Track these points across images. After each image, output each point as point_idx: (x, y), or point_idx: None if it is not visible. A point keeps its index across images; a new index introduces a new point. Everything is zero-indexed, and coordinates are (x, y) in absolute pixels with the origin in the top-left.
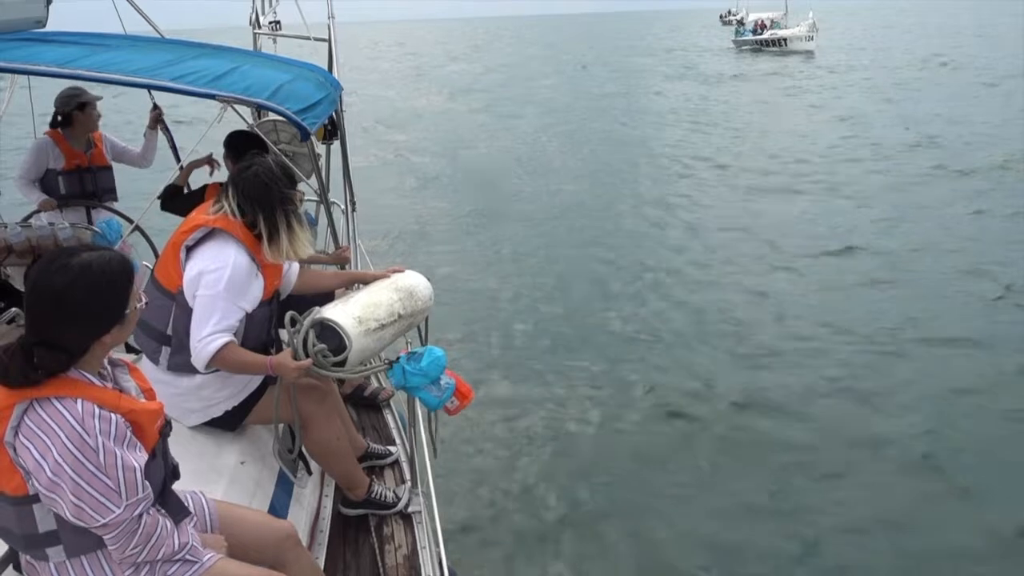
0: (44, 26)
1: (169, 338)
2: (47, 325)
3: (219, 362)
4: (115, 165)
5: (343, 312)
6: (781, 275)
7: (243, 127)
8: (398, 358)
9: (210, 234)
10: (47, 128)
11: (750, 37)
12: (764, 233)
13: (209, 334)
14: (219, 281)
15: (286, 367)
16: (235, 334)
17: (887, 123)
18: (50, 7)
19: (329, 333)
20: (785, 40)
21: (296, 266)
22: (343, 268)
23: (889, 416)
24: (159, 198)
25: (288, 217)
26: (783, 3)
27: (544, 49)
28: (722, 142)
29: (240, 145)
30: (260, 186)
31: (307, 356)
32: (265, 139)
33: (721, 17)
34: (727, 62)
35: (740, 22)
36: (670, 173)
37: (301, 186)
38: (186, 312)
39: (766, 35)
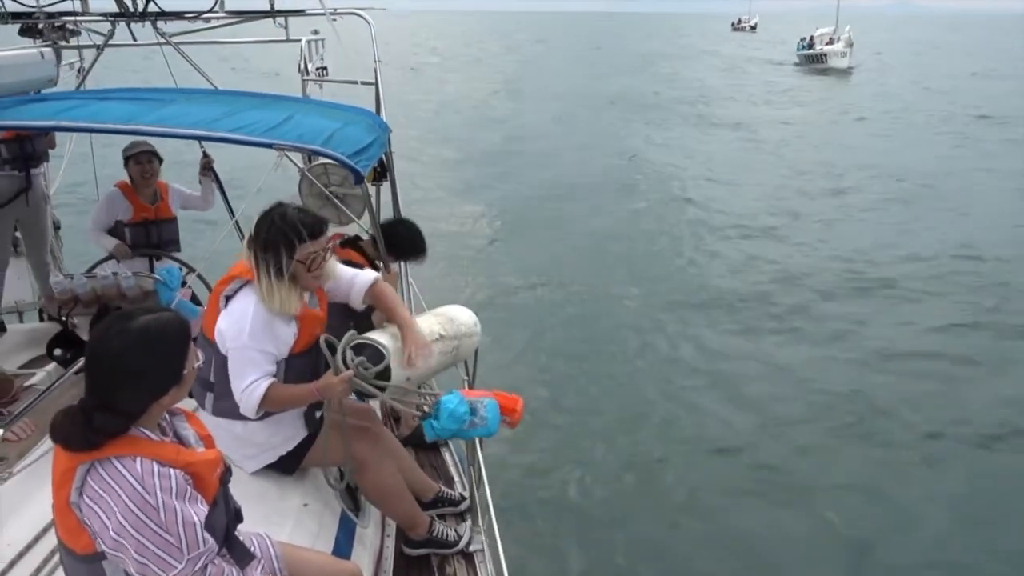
0: (55, 85)
1: (213, 384)
2: (106, 389)
3: (268, 405)
4: (181, 215)
5: (378, 332)
6: None
7: (295, 171)
8: (432, 412)
9: (246, 284)
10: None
11: (805, 52)
12: None
13: (250, 383)
14: (241, 332)
15: (331, 385)
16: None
17: None
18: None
19: (369, 352)
20: (825, 56)
21: (363, 280)
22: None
23: None
24: None
25: (268, 266)
26: (827, 8)
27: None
28: None
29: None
30: (256, 228)
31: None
32: (316, 183)
33: (733, 24)
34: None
35: (753, 28)
36: None
37: (353, 227)
38: (224, 360)
39: (814, 51)
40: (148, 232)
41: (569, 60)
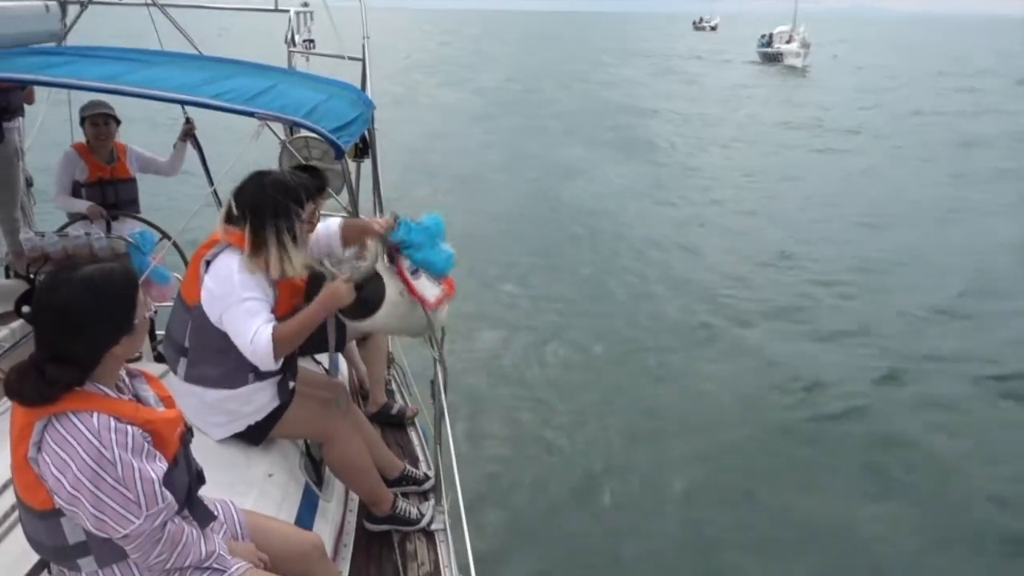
0: (60, 41)
1: (186, 350)
2: (55, 340)
3: (281, 345)
4: (143, 178)
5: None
6: None
7: (275, 142)
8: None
9: (226, 248)
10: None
11: (764, 50)
12: None
13: (254, 333)
14: (232, 287)
15: (335, 289)
16: None
17: None
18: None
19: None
20: (781, 55)
21: (333, 224)
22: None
23: None
24: None
25: (280, 232)
26: (787, 9)
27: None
28: None
29: None
30: (257, 193)
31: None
32: (296, 155)
33: (694, 24)
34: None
35: (714, 28)
36: None
37: (331, 203)
38: (201, 325)
39: (771, 49)
40: (104, 192)
41: (555, 58)
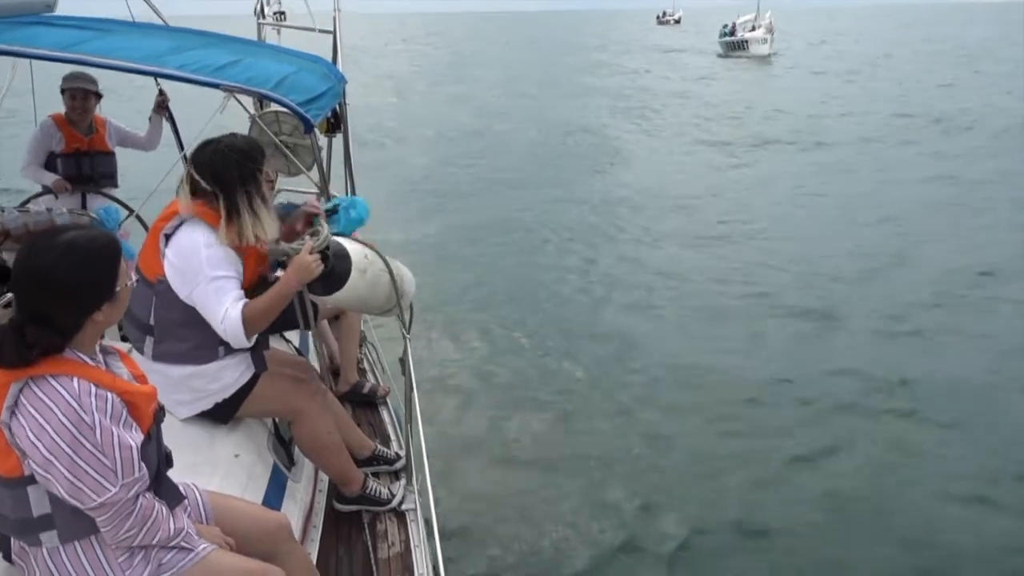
0: (53, 10)
1: (152, 328)
2: (36, 303)
3: (252, 323)
4: (120, 152)
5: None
6: None
7: (245, 117)
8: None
9: (186, 221)
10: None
11: (726, 39)
12: None
13: (224, 312)
14: (199, 267)
15: (303, 260)
16: None
17: None
18: None
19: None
20: (746, 43)
21: None
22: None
23: None
24: None
25: (251, 197)
26: (755, 4)
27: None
28: None
29: None
30: (219, 162)
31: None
32: (267, 130)
33: (658, 18)
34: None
35: (677, 21)
36: None
37: (301, 178)
38: (165, 300)
39: (735, 37)
40: (80, 164)
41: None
